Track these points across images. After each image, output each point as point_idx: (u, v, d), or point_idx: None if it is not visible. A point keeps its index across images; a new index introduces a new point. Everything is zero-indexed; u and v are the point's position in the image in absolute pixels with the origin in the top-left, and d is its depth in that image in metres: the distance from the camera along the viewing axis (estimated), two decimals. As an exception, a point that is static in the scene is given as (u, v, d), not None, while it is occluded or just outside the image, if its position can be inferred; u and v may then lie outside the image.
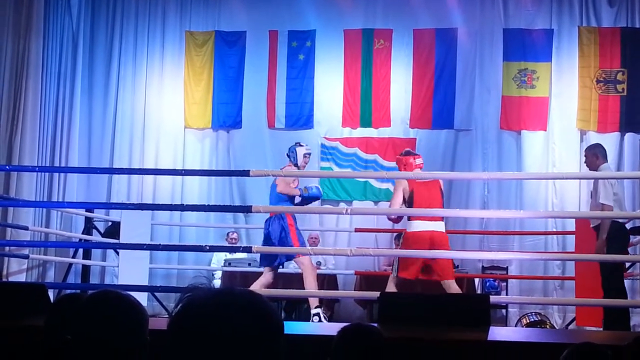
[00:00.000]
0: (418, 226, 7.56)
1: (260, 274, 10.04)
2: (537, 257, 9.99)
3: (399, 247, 10.49)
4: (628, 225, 9.09)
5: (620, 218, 9.56)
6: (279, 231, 7.98)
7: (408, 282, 7.79)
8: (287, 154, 8.38)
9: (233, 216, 11.73)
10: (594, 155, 7.92)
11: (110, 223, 10.74)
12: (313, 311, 7.77)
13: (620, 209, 7.80)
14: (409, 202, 7.66)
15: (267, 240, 8.09)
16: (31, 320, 4.29)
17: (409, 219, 7.66)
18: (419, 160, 7.82)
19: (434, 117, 11.74)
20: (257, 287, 7.86)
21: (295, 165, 8.27)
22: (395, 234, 10.90)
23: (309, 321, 7.85)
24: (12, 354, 4.02)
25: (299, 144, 8.44)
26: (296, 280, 9.09)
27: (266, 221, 8.18)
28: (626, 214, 9.75)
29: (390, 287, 7.63)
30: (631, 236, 8.93)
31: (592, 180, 8.19)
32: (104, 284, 10.78)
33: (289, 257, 8.17)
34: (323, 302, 8.34)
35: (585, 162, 8.08)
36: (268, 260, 8.17)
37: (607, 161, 8.01)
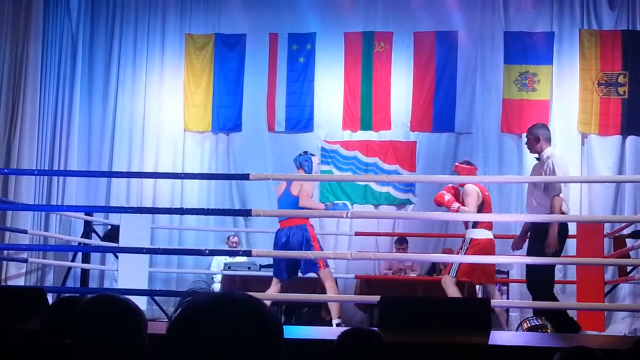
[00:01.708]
0: (486, 234, 8.07)
1: (260, 278, 10.04)
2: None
3: (399, 250, 10.51)
4: (629, 230, 9.09)
5: (619, 222, 9.56)
6: (302, 242, 7.81)
7: (465, 285, 8.20)
8: (300, 163, 8.17)
9: (233, 220, 11.69)
10: (536, 138, 7.12)
11: (109, 226, 10.73)
12: (335, 321, 7.71)
13: (566, 204, 7.15)
14: (479, 209, 8.03)
15: (287, 247, 7.80)
16: (30, 324, 4.26)
17: (476, 226, 8.02)
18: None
19: (435, 120, 11.72)
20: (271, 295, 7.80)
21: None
22: (395, 238, 10.89)
23: (309, 325, 7.84)
24: (11, 357, 4.00)
25: (311, 154, 8.34)
26: (296, 284, 9.06)
27: (284, 230, 7.94)
28: (628, 218, 9.74)
29: (451, 289, 7.84)
30: (632, 240, 8.92)
31: (534, 171, 7.36)
32: (103, 288, 10.75)
33: (310, 269, 7.88)
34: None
35: (526, 143, 7.40)
36: (286, 272, 7.93)
37: (550, 145, 7.21)
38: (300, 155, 8.28)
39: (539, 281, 7.03)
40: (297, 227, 7.90)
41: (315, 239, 7.95)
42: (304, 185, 7.94)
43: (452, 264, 8.00)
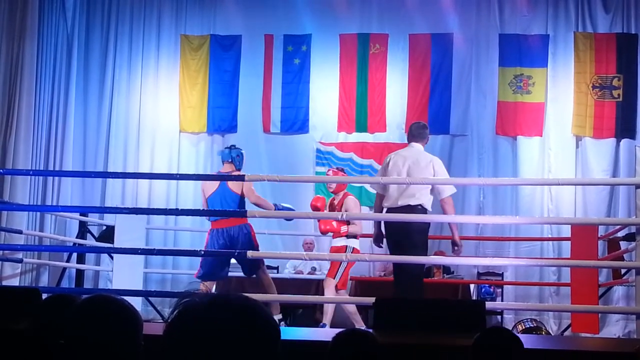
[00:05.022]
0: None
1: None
2: (532, 263, 9.97)
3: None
4: (623, 232, 9.09)
5: (614, 224, 9.57)
6: (246, 243, 7.78)
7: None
8: (231, 158, 8.07)
9: (228, 221, 11.66)
10: None
11: (104, 227, 10.71)
12: (276, 316, 7.77)
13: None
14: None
15: (229, 248, 7.80)
16: (25, 324, 4.26)
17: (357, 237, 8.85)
18: None
19: (430, 122, 11.66)
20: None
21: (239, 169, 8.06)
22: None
23: (304, 326, 7.86)
24: (5, 358, 3.99)
25: (240, 149, 8.26)
26: (290, 285, 9.07)
27: (223, 230, 7.92)
28: (622, 221, 9.74)
29: (330, 291, 8.16)
30: (626, 242, 8.93)
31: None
32: (98, 289, 10.73)
33: (254, 271, 7.94)
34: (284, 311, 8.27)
35: None
36: (221, 270, 8.06)
37: None
38: (230, 149, 8.20)
39: None
40: (239, 227, 7.88)
41: (256, 239, 7.95)
42: (246, 183, 7.77)
43: (338, 269, 8.16)
